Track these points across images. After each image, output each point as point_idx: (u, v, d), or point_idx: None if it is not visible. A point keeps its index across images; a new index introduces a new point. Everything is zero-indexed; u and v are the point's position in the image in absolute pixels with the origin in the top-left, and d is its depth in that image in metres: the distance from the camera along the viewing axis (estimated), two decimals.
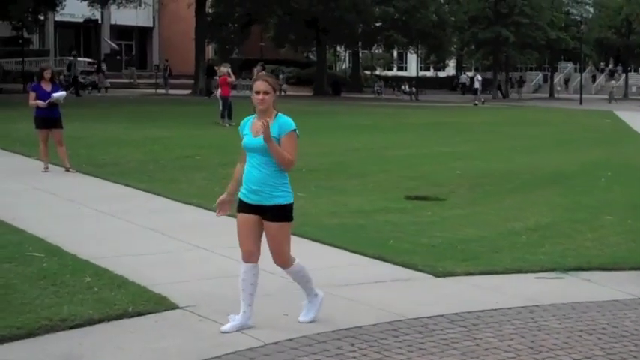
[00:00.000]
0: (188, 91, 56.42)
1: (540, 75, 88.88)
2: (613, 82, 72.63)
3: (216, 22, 62.16)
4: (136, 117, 31.76)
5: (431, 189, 14.71)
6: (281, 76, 64.27)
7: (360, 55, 79.23)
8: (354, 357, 6.03)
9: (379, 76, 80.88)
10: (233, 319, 6.62)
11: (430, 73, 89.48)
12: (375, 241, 10.08)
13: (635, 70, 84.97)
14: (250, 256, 6.60)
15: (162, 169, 16.82)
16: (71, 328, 6.54)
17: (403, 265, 8.86)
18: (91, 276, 7.99)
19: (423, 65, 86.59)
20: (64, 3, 53.93)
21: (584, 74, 75.84)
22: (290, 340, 6.33)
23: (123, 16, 69.72)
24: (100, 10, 61.08)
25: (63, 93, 16.57)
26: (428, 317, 6.99)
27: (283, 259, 6.64)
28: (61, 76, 46.62)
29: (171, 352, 6.11)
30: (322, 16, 60.18)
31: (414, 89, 67.79)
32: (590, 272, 8.73)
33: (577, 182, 16.15)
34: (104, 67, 59.08)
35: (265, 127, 6.31)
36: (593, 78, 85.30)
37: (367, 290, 7.90)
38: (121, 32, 76.80)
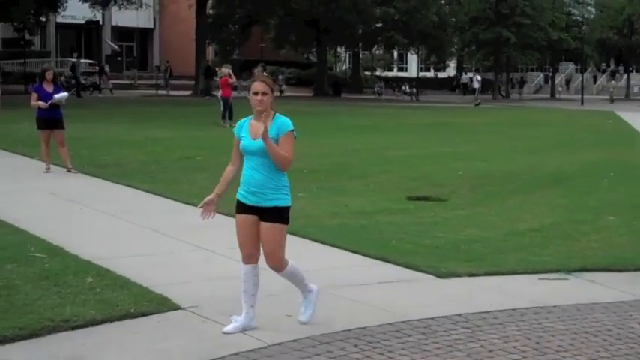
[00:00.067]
0: (189, 92, 56.44)
1: (541, 75, 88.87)
2: (613, 82, 72.50)
3: (217, 23, 62.19)
4: (137, 118, 31.79)
5: (432, 189, 14.68)
6: (280, 77, 64.27)
7: (361, 55, 79.19)
8: (358, 358, 6.01)
9: (379, 77, 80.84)
10: (236, 320, 6.60)
11: (430, 74, 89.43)
12: (377, 241, 10.06)
13: (637, 71, 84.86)
14: (250, 257, 6.58)
15: (164, 169, 16.82)
16: (74, 328, 6.53)
17: (406, 266, 8.83)
18: (93, 276, 7.98)
19: (423, 66, 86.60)
20: (65, 4, 54.02)
21: (585, 75, 75.75)
22: (293, 341, 6.31)
23: (124, 18, 69.81)
24: (101, 11, 61.15)
25: (64, 94, 16.59)
26: (431, 318, 6.96)
27: (277, 262, 6.57)
28: (62, 77, 46.63)
29: (175, 354, 6.09)
30: (323, 16, 60.18)
31: (414, 90, 67.74)
32: (594, 273, 8.68)
33: (579, 183, 16.10)
34: (107, 68, 59.16)
35: (264, 130, 6.28)
36: (594, 78, 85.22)
37: (370, 291, 7.87)
38: (121, 34, 76.83)
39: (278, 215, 6.47)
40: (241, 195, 6.55)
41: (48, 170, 16.15)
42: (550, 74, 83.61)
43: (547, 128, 32.82)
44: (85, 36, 72.81)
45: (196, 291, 7.67)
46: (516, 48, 69.81)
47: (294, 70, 74.93)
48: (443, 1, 68.01)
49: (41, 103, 16.09)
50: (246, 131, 6.54)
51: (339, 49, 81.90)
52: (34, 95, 16.31)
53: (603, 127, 34.51)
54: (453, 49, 74.72)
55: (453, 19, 67.83)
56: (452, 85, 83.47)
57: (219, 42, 65.36)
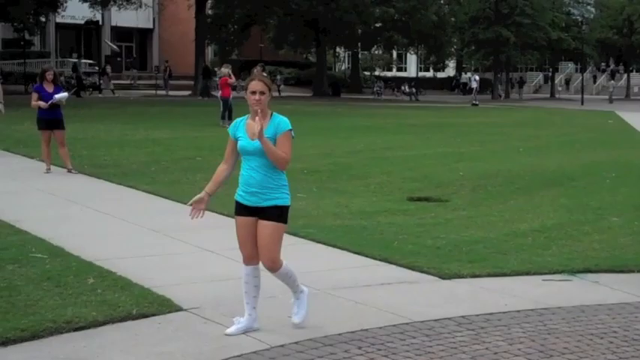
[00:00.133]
0: (188, 93, 56.43)
1: (541, 75, 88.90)
2: (612, 82, 72.45)
3: (216, 23, 62.17)
4: (136, 118, 31.78)
5: (433, 190, 14.64)
6: (278, 77, 64.29)
7: (360, 55, 79.19)
8: None
9: (379, 77, 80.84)
10: (238, 321, 6.56)
11: (430, 74, 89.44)
12: (379, 242, 10.02)
13: (638, 71, 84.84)
14: (251, 258, 6.52)
15: (164, 170, 16.79)
16: (75, 330, 6.50)
17: (408, 267, 8.79)
18: (94, 277, 7.96)
19: (422, 66, 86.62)
20: (65, 4, 54.02)
21: (585, 75, 75.73)
22: (296, 343, 6.27)
23: (123, 18, 69.79)
24: (100, 11, 61.13)
25: (65, 94, 16.60)
26: (435, 320, 6.92)
27: (273, 261, 6.46)
28: (62, 78, 46.64)
29: (176, 356, 6.05)
30: (322, 16, 60.18)
31: (413, 90, 67.70)
32: (598, 274, 8.64)
33: (581, 183, 16.05)
34: (109, 69, 59.23)
35: (259, 128, 6.22)
36: (594, 78, 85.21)
37: (373, 292, 7.83)
38: (121, 34, 76.83)
39: (278, 214, 6.40)
40: (240, 196, 6.49)
41: (48, 170, 16.14)
42: (550, 74, 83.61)
43: (548, 128, 32.79)
44: (84, 36, 72.81)
45: (198, 292, 7.64)
46: (516, 48, 69.81)
47: (293, 70, 74.96)
48: (442, 1, 68.03)
49: (41, 104, 16.07)
50: (243, 131, 6.46)
51: (338, 49, 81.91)
52: (35, 95, 16.30)
53: (604, 127, 34.49)
54: (453, 48, 74.71)
55: (453, 19, 67.86)
56: (451, 85, 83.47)
57: (219, 42, 65.39)
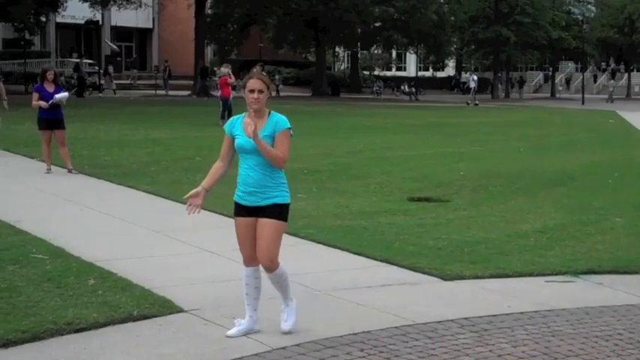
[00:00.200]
0: (187, 92, 56.41)
1: (541, 75, 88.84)
2: (612, 82, 72.42)
3: (216, 23, 62.13)
4: (136, 118, 31.77)
5: (434, 190, 14.60)
6: (277, 77, 64.24)
7: (359, 55, 79.15)
8: None
9: (378, 77, 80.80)
10: (239, 323, 6.52)
11: (429, 74, 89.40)
12: (379, 243, 9.98)
13: (638, 70, 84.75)
14: (252, 259, 6.47)
15: (165, 170, 16.76)
16: (76, 331, 6.48)
17: (410, 269, 8.74)
18: (95, 278, 7.93)
19: (422, 65, 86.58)
20: (65, 4, 54.00)
21: (585, 74, 75.66)
22: (297, 345, 6.24)
23: (123, 18, 69.79)
24: (100, 11, 61.09)
25: (65, 94, 16.60)
26: (437, 322, 6.87)
27: (271, 260, 6.37)
28: (62, 78, 46.62)
29: (178, 358, 6.02)
30: (322, 16, 60.15)
31: (413, 89, 67.67)
32: (602, 276, 8.58)
33: (583, 183, 15.99)
34: (111, 69, 59.19)
35: (253, 128, 6.15)
36: (595, 78, 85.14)
37: (374, 294, 7.79)
38: (120, 34, 76.84)
39: (277, 212, 6.34)
40: (239, 196, 6.43)
41: (49, 171, 16.11)
42: (550, 73, 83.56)
43: (548, 128, 32.75)
44: (84, 36, 72.79)
45: (199, 293, 7.61)
46: (516, 47, 69.74)
47: (293, 69, 74.91)
48: (442, 0, 67.97)
49: (42, 103, 16.05)
50: (240, 129, 6.38)
51: (337, 49, 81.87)
52: (35, 95, 16.29)
53: (605, 127, 34.44)
54: (452, 48, 74.66)
55: (452, 18, 67.80)
56: (450, 84, 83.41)
57: (218, 42, 65.36)
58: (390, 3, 61.26)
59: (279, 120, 6.39)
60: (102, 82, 56.11)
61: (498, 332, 6.66)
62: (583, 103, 59.78)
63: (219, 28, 62.41)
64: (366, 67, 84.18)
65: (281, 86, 64.03)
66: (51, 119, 16.14)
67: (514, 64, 78.21)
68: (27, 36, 58.14)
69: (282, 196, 6.38)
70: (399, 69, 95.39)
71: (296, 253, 8.85)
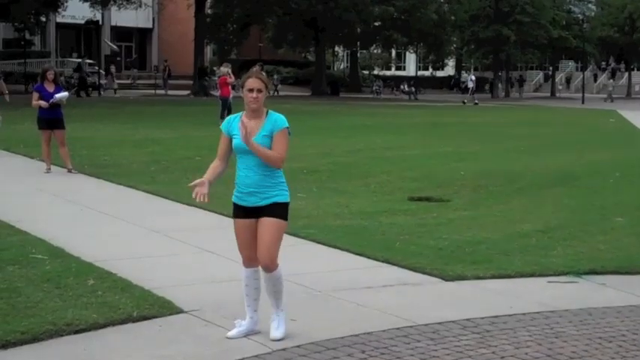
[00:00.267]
0: (187, 92, 56.39)
1: (541, 74, 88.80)
2: (611, 81, 72.36)
3: (215, 22, 62.11)
4: (136, 118, 31.75)
5: (434, 190, 14.55)
6: (275, 77, 64.23)
7: (359, 54, 79.11)
8: None
9: (377, 76, 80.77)
10: (240, 324, 6.47)
11: (428, 73, 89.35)
12: (380, 243, 9.93)
13: (639, 69, 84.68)
14: (252, 260, 6.42)
15: (164, 170, 16.74)
16: (76, 332, 6.44)
17: (411, 269, 8.70)
18: (94, 279, 7.89)
19: (421, 65, 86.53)
20: (65, 4, 53.98)
21: (585, 73, 75.59)
22: (298, 346, 6.19)
23: (123, 18, 69.83)
24: (100, 11, 61.11)
25: (65, 94, 16.61)
26: (439, 323, 6.82)
27: (271, 260, 6.29)
28: (62, 77, 46.61)
29: (177, 359, 5.97)
30: (321, 15, 60.12)
31: (413, 89, 67.62)
32: (604, 276, 8.53)
33: (584, 183, 15.92)
34: (113, 69, 59.16)
35: (244, 133, 6.10)
36: (595, 77, 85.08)
37: (375, 294, 7.74)
38: (120, 34, 76.89)
39: (278, 211, 6.29)
40: (237, 197, 6.38)
41: (48, 170, 16.10)
42: (550, 73, 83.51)
43: (549, 127, 32.70)
44: (84, 36, 72.77)
45: (199, 294, 7.57)
46: (516, 46, 69.70)
47: (292, 69, 74.87)
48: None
49: (42, 103, 16.05)
50: (237, 129, 6.32)
51: (337, 48, 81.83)
52: (35, 95, 16.29)
53: (606, 126, 34.38)
54: (452, 47, 74.61)
55: (453, 17, 67.74)
56: (450, 84, 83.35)
57: (218, 42, 65.34)
58: (390, 2, 61.17)
59: (278, 119, 6.34)
60: (102, 81, 56.10)
61: (501, 333, 6.61)
62: (583, 103, 59.74)
63: (218, 28, 62.38)
64: (366, 67, 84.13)
65: (280, 86, 63.99)
66: (51, 119, 16.13)
67: (514, 63, 78.13)
68: (27, 36, 58.18)
69: (281, 195, 6.33)
70: (398, 68, 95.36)
71: (296, 253, 8.81)
